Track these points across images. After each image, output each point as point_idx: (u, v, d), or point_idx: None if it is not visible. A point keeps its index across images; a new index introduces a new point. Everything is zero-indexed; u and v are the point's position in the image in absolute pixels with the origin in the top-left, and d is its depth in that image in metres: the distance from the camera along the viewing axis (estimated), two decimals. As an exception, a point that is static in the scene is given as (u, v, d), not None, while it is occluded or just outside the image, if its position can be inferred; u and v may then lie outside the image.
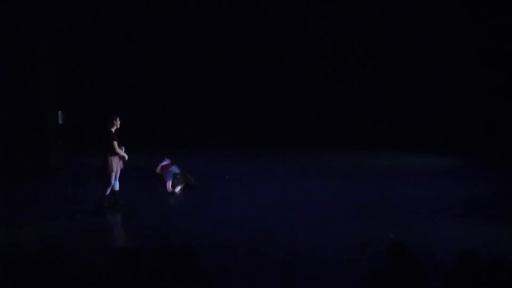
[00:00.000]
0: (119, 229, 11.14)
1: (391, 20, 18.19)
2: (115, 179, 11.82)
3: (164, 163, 14.14)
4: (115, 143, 11.50)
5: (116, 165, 11.67)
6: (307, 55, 18.93)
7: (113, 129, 11.55)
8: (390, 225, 10.63)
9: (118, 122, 11.61)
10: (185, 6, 18.55)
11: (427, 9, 17.90)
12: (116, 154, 11.57)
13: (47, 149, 15.52)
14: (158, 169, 14.10)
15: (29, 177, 14.30)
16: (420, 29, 18.13)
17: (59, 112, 16.46)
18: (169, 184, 13.14)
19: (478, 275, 5.76)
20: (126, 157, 11.72)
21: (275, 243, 9.78)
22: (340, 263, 8.88)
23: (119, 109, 17.51)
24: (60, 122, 16.51)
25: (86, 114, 17.86)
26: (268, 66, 19.07)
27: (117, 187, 11.95)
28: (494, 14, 17.31)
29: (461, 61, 18.03)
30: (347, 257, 9.10)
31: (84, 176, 14.27)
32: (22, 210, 11.82)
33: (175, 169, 13.55)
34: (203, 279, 5.81)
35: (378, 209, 11.62)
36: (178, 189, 13.14)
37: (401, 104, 18.69)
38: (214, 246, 9.56)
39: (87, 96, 18.62)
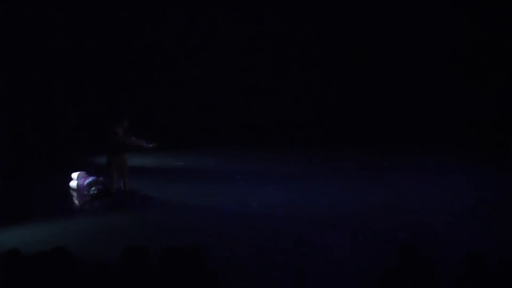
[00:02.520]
0: (127, 229, 11.13)
1: (394, 20, 18.17)
2: (121, 178, 11.97)
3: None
4: (129, 138, 11.95)
5: (120, 164, 11.85)
6: (314, 54, 18.94)
7: (118, 130, 11.79)
8: (401, 225, 10.58)
9: (126, 125, 11.91)
10: (191, 7, 18.60)
11: (428, 8, 17.92)
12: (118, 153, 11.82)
13: (57, 147, 15.56)
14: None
15: (40, 175, 14.34)
16: (423, 28, 18.11)
17: (71, 110, 16.55)
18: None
19: (487, 276, 5.72)
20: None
21: (285, 242, 9.75)
22: (351, 263, 8.84)
23: (130, 109, 17.73)
24: (72, 120, 16.60)
25: (96, 113, 17.91)
26: (278, 66, 19.10)
27: (124, 187, 12.04)
28: (494, 13, 17.29)
29: (465, 60, 17.99)
30: (358, 257, 9.06)
31: (95, 175, 14.26)
32: (33, 208, 11.84)
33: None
34: (212, 279, 5.79)
35: (388, 209, 11.57)
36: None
37: (410, 103, 18.64)
38: (224, 245, 9.54)
39: (98, 95, 18.68)
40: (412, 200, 12.25)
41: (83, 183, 12.70)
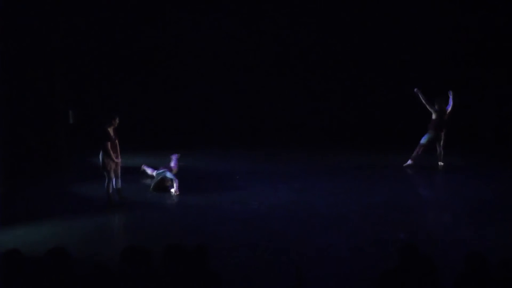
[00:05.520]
0: (128, 229, 11.14)
1: (394, 20, 18.23)
2: (116, 177, 11.83)
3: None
4: (108, 144, 11.48)
5: (113, 162, 11.64)
6: (314, 54, 18.98)
7: (109, 129, 11.52)
8: (400, 225, 10.58)
9: (117, 122, 11.58)
10: (191, 7, 18.61)
11: (427, 8, 17.98)
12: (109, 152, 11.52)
13: (57, 148, 15.57)
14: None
15: (39, 175, 14.35)
16: (424, 27, 18.17)
17: (70, 111, 16.56)
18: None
19: (488, 275, 5.72)
20: (117, 160, 11.68)
21: (285, 243, 9.75)
22: (351, 263, 8.84)
23: (129, 109, 17.76)
24: (71, 121, 16.60)
25: (96, 113, 17.92)
26: (278, 66, 19.12)
27: (119, 185, 11.94)
28: (494, 12, 17.33)
29: (466, 59, 18.02)
30: (358, 257, 9.07)
31: (95, 174, 14.27)
32: (32, 209, 11.84)
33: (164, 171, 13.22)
34: (214, 279, 5.80)
35: (388, 209, 11.56)
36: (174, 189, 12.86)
37: (409, 103, 18.64)
38: (224, 245, 9.54)
39: (97, 95, 18.69)
40: (411, 200, 12.26)
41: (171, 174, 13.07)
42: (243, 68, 19.15)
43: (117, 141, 11.73)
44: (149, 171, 14.00)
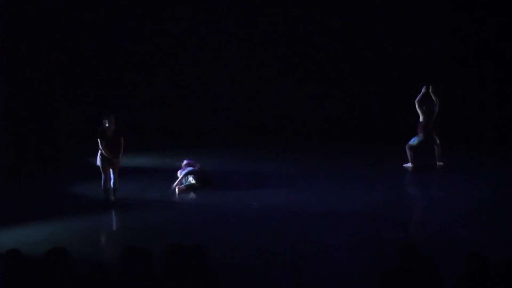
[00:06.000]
0: (128, 229, 11.13)
1: (394, 20, 18.25)
2: (112, 175, 11.86)
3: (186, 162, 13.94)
4: (103, 142, 11.58)
5: (109, 160, 11.70)
6: (313, 54, 18.98)
7: (106, 127, 11.58)
8: (401, 225, 10.58)
9: (112, 120, 11.62)
10: (191, 7, 18.63)
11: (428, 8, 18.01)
12: (109, 151, 11.62)
13: (57, 148, 15.57)
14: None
15: (39, 175, 14.34)
16: (425, 27, 18.18)
17: (70, 111, 16.57)
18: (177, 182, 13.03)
19: (488, 275, 5.71)
20: (115, 160, 11.76)
21: (285, 243, 9.75)
22: (351, 263, 8.84)
23: (129, 109, 17.77)
24: (71, 121, 16.61)
25: (96, 113, 17.93)
26: (278, 66, 19.13)
27: (116, 185, 11.96)
28: (493, 13, 17.36)
29: (466, 59, 18.03)
30: (358, 257, 9.06)
31: (95, 174, 14.27)
32: (32, 209, 11.84)
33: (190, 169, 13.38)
34: (214, 279, 5.79)
35: (388, 209, 11.56)
36: (181, 187, 12.95)
37: (409, 103, 18.66)
38: (224, 245, 9.54)
39: (97, 95, 18.70)
40: (412, 200, 12.25)
41: (181, 172, 13.08)
42: (243, 68, 19.17)
43: (121, 140, 11.77)
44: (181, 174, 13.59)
